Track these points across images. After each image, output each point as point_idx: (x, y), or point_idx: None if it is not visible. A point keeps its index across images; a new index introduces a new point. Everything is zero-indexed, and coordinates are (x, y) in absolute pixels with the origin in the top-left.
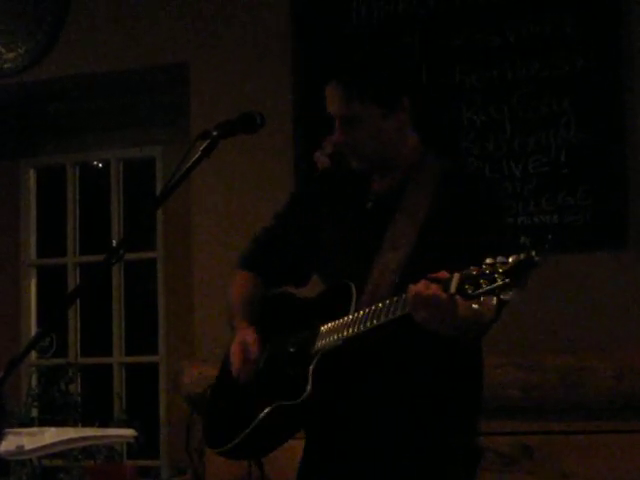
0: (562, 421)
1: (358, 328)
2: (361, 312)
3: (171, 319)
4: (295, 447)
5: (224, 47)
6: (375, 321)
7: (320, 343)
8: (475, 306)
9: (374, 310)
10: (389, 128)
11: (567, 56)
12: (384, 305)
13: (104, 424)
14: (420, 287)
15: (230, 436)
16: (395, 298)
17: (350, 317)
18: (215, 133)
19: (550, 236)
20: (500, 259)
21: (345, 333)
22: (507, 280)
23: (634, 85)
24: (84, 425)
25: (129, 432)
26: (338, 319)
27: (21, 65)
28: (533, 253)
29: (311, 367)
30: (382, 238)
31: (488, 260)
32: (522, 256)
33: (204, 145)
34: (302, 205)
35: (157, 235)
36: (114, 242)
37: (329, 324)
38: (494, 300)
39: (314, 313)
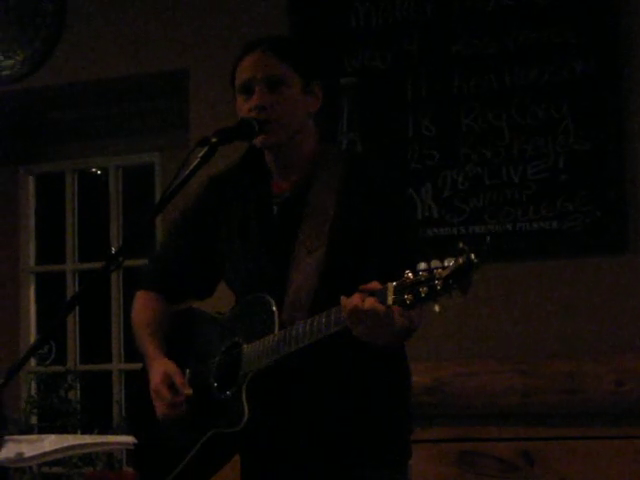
0: (562, 427)
1: (292, 346)
2: (295, 329)
3: None
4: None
5: (223, 54)
6: (310, 338)
7: (248, 364)
8: (412, 314)
9: (309, 326)
10: (304, 107)
11: (566, 62)
12: (319, 321)
13: (103, 431)
14: (356, 301)
15: (166, 471)
16: (330, 312)
17: (277, 335)
18: (214, 140)
19: (488, 238)
20: (435, 263)
21: (277, 352)
22: (446, 285)
23: (633, 91)
24: (83, 432)
25: (128, 439)
26: (261, 336)
27: (19, 73)
28: (472, 256)
29: (243, 390)
30: (294, 243)
31: (422, 266)
32: (461, 260)
33: (203, 152)
34: (196, 215)
35: (156, 242)
36: (113, 249)
37: (254, 343)
38: (435, 309)
39: (232, 331)
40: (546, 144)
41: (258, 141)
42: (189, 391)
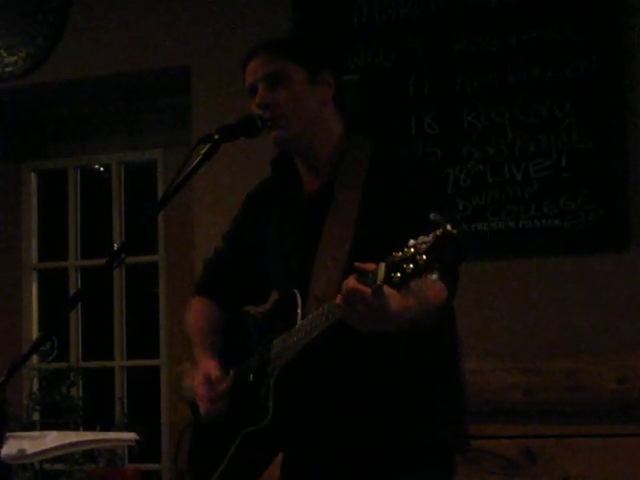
0: (564, 425)
1: (301, 340)
2: (305, 320)
3: (173, 322)
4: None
5: (226, 50)
6: (312, 332)
7: (274, 359)
8: (414, 294)
9: (314, 317)
10: (314, 97)
11: (569, 60)
12: (322, 311)
13: (105, 428)
14: (351, 282)
15: (209, 474)
16: (329, 303)
17: (296, 327)
18: (216, 137)
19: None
20: (421, 239)
21: (293, 346)
22: (428, 258)
23: (636, 89)
24: (85, 429)
25: (130, 436)
26: (287, 331)
27: (22, 69)
28: (449, 227)
29: (271, 386)
30: (319, 238)
31: (410, 242)
32: (438, 232)
33: (205, 149)
34: (246, 221)
35: (159, 239)
36: (115, 246)
37: (280, 338)
38: (439, 284)
39: (268, 327)
40: (549, 142)
41: (272, 139)
42: (223, 386)
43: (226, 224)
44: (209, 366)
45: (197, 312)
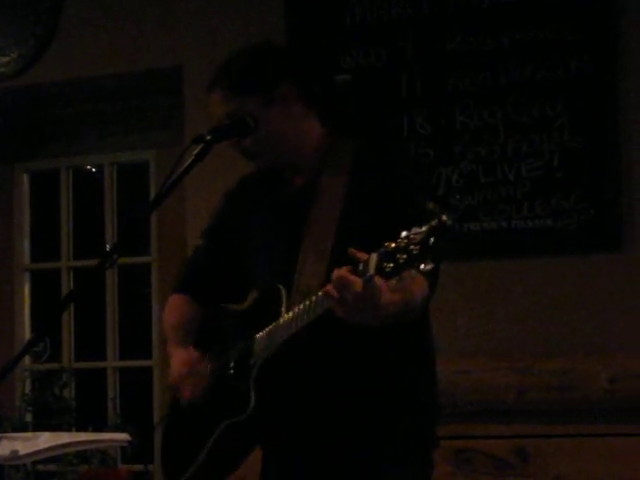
0: (556, 424)
1: (287, 332)
2: (290, 314)
3: None
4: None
5: (218, 52)
6: (300, 322)
7: (257, 352)
8: (399, 287)
9: (299, 310)
10: (276, 118)
11: (561, 60)
12: (309, 303)
13: (98, 428)
14: (342, 272)
15: (186, 466)
16: (319, 294)
17: (281, 320)
18: (209, 137)
19: (459, 196)
20: (415, 230)
21: (276, 339)
22: (422, 249)
23: (628, 88)
24: (78, 430)
25: (123, 436)
26: (271, 324)
27: (14, 70)
28: (444, 217)
29: (252, 378)
30: (303, 235)
31: (403, 233)
32: (433, 222)
33: (198, 149)
34: (224, 219)
35: (151, 239)
36: (108, 246)
37: (264, 331)
38: (412, 275)
39: (250, 322)
40: (541, 142)
41: (256, 166)
42: (203, 367)
43: None
44: (185, 353)
45: (173, 309)
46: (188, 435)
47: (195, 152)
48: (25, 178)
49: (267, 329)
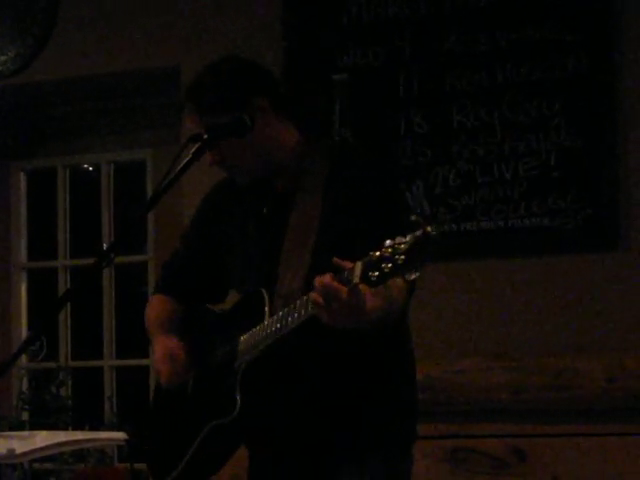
0: (553, 424)
1: (271, 336)
2: (274, 317)
3: None
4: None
5: (216, 50)
6: (284, 327)
7: (241, 355)
8: (381, 293)
9: (283, 315)
10: (251, 133)
11: (558, 59)
12: (292, 308)
13: (95, 427)
14: (326, 279)
15: (172, 466)
16: (303, 298)
17: (265, 324)
18: (205, 136)
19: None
20: (399, 239)
21: (261, 343)
22: (407, 259)
23: (625, 88)
24: (75, 428)
25: (120, 435)
26: (255, 327)
27: (11, 68)
28: (429, 228)
29: (237, 381)
30: (283, 239)
31: (387, 242)
32: (418, 233)
33: (194, 148)
34: (203, 224)
35: (148, 238)
36: (105, 245)
37: (248, 334)
38: (397, 283)
39: (232, 325)
40: (538, 141)
41: (237, 182)
42: (181, 356)
43: None
44: (168, 342)
45: (154, 307)
46: (173, 436)
47: (192, 151)
48: (22, 177)
49: (251, 332)
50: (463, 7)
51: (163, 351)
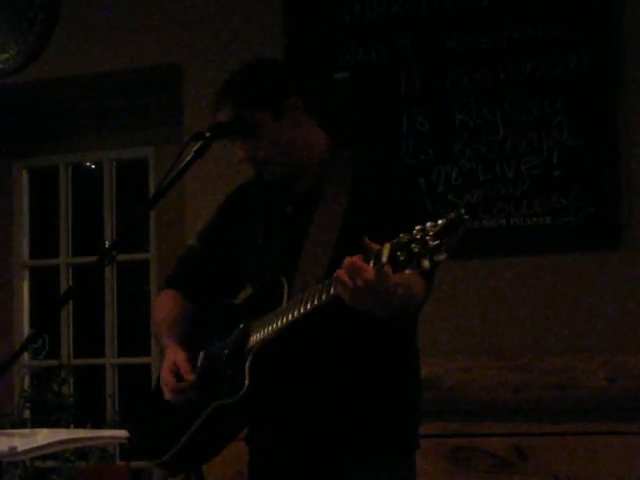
0: (554, 423)
1: (289, 317)
2: (292, 301)
3: None
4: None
5: (217, 48)
6: (305, 307)
7: (254, 338)
8: (404, 283)
9: (305, 296)
10: (285, 129)
11: (559, 58)
12: (315, 289)
13: (97, 425)
14: (355, 258)
15: (170, 445)
16: (327, 280)
17: (282, 307)
18: (207, 135)
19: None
20: (429, 224)
21: (276, 324)
22: (438, 241)
23: (626, 87)
24: (77, 426)
25: (122, 433)
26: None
27: (13, 67)
28: (462, 211)
29: (247, 363)
30: (304, 238)
31: (417, 227)
32: (452, 215)
33: (197, 146)
34: (223, 221)
35: (150, 236)
36: (107, 243)
37: (261, 319)
38: (424, 265)
39: (248, 313)
40: (540, 140)
41: (265, 178)
42: (190, 377)
43: None
44: (177, 357)
45: (164, 304)
46: (174, 415)
47: (194, 149)
48: (24, 175)
49: (265, 317)
50: (465, 6)
51: (170, 366)
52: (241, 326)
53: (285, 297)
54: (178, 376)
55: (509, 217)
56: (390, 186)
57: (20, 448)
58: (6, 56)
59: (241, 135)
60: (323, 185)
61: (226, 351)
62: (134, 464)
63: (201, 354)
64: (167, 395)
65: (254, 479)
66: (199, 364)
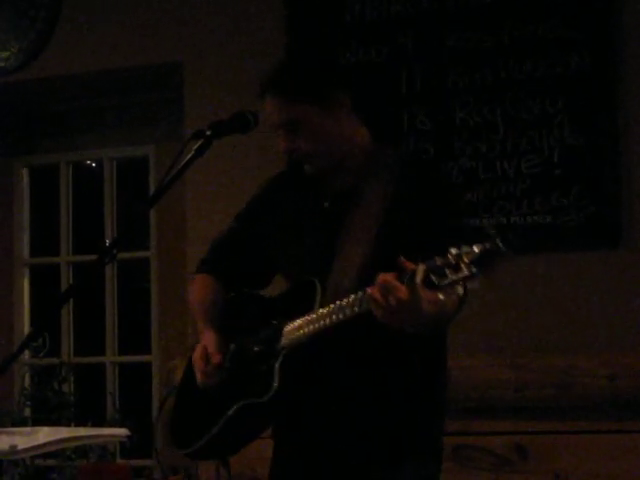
0: (555, 421)
1: (321, 324)
2: (326, 308)
3: (164, 318)
4: (261, 445)
5: (218, 46)
6: (337, 317)
7: (285, 340)
8: (441, 297)
9: (338, 306)
10: (331, 124)
11: (560, 57)
12: (348, 301)
13: (97, 423)
14: (389, 276)
15: (198, 436)
16: (360, 293)
17: (315, 313)
18: (208, 133)
19: (511, 236)
20: (465, 249)
21: (309, 329)
22: (474, 269)
23: (627, 86)
24: (77, 424)
25: (122, 431)
26: (303, 315)
27: (14, 64)
28: (499, 241)
29: (277, 364)
30: (341, 234)
31: (453, 250)
32: (488, 245)
33: (197, 144)
34: (261, 207)
35: (150, 234)
36: (107, 241)
37: (294, 321)
38: (458, 292)
39: (279, 311)
40: (540, 138)
41: (306, 171)
42: (217, 360)
43: (219, 220)
44: (209, 341)
45: (201, 288)
46: (203, 408)
47: (195, 147)
48: (25, 173)
49: (299, 320)
50: (465, 4)
51: (202, 350)
52: (273, 324)
53: (318, 300)
54: (207, 360)
55: (509, 216)
56: (433, 195)
57: (21, 446)
58: (7, 54)
59: (242, 133)
60: (364, 182)
61: (256, 348)
62: (134, 462)
63: (232, 346)
64: (198, 378)
65: (277, 479)
66: (228, 357)
